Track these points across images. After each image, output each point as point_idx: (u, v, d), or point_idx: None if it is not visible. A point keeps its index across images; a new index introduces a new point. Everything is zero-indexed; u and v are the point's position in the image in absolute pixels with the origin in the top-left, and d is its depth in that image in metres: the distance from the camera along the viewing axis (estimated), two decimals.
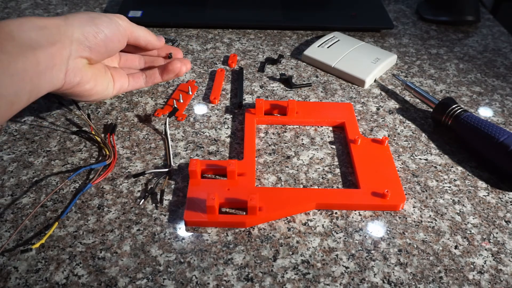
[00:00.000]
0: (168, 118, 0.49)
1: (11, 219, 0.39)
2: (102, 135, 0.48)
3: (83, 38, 0.40)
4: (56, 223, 0.38)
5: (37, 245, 0.36)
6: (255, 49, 0.63)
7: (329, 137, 0.49)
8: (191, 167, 0.42)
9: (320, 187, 0.43)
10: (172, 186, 0.43)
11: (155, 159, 0.45)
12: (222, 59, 0.61)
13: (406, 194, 0.43)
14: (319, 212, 0.41)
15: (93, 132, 0.47)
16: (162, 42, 0.50)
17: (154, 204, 0.41)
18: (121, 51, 0.48)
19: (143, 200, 0.41)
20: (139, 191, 0.42)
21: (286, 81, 0.56)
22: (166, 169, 0.43)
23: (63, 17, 0.40)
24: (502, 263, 0.37)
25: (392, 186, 0.42)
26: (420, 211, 0.41)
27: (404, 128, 0.51)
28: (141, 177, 0.43)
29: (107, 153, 0.45)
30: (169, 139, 0.47)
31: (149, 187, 0.42)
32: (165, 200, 0.41)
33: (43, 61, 0.36)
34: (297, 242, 0.38)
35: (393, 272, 0.36)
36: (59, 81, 0.39)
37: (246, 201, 0.39)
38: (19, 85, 0.35)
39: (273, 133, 0.49)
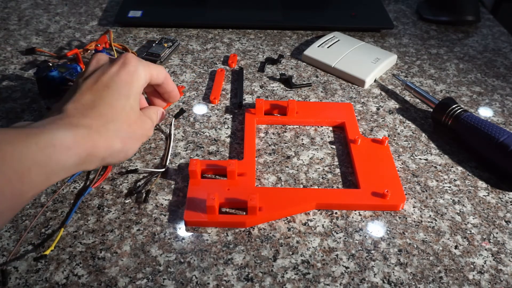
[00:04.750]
0: (174, 119, 0.49)
1: (11, 219, 0.39)
2: None
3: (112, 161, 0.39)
4: (62, 229, 0.38)
5: (48, 251, 0.36)
6: (255, 49, 0.63)
7: (329, 137, 0.49)
8: (191, 167, 0.42)
9: (320, 187, 0.43)
10: (172, 186, 0.43)
11: (155, 159, 0.45)
12: (222, 59, 0.61)
13: (406, 194, 0.43)
14: (319, 212, 0.41)
15: None
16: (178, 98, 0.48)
17: (153, 204, 0.41)
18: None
19: (128, 198, 0.41)
20: (139, 191, 0.42)
21: (286, 81, 0.56)
22: (162, 169, 0.43)
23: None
24: (502, 263, 0.37)
25: (392, 186, 0.42)
26: (420, 211, 0.41)
27: (404, 128, 0.51)
28: (141, 177, 0.43)
29: None
30: (172, 140, 0.47)
31: (138, 185, 0.42)
32: (165, 200, 0.41)
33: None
34: (297, 242, 0.38)
35: (393, 272, 0.36)
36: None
37: (246, 201, 0.39)
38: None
39: (273, 133, 0.49)
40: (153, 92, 0.46)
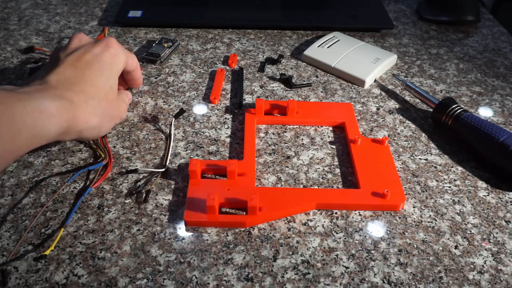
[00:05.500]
0: (174, 119, 0.49)
1: (11, 219, 0.39)
2: None
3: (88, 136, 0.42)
4: (62, 229, 0.38)
5: (48, 251, 0.36)
6: (255, 49, 0.63)
7: (329, 137, 0.49)
8: (191, 167, 0.42)
9: (320, 187, 0.43)
10: (172, 186, 0.43)
11: (155, 159, 0.45)
12: (222, 59, 0.61)
13: (406, 194, 0.43)
14: (319, 212, 0.41)
15: None
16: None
17: (153, 204, 0.41)
18: None
19: (128, 198, 0.41)
20: (139, 191, 0.42)
21: (286, 81, 0.56)
22: (162, 169, 0.43)
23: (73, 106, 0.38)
24: (502, 263, 0.37)
25: (392, 186, 0.42)
26: (420, 211, 0.41)
27: (404, 128, 0.51)
28: (141, 177, 0.43)
29: (102, 155, 0.44)
30: (172, 140, 0.47)
31: (138, 185, 0.42)
32: (165, 200, 0.41)
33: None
34: (297, 242, 0.38)
35: (393, 272, 0.36)
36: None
37: (246, 201, 0.39)
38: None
39: (273, 133, 0.49)
40: (119, 78, 0.47)
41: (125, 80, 0.49)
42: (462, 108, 0.48)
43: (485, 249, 0.38)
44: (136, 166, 0.44)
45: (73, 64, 0.40)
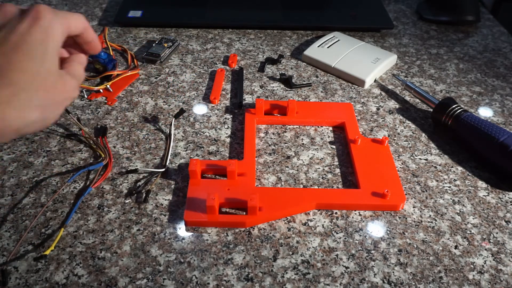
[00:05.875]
0: (174, 119, 0.49)
1: (11, 219, 0.39)
2: (95, 138, 0.47)
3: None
4: (62, 229, 0.38)
5: (48, 251, 0.36)
6: (255, 49, 0.63)
7: (329, 137, 0.49)
8: (191, 167, 0.42)
9: (320, 187, 0.43)
10: (172, 186, 0.43)
11: (155, 159, 0.45)
12: (222, 59, 0.61)
13: (406, 194, 0.43)
14: (319, 212, 0.41)
15: (84, 135, 0.47)
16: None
17: (153, 204, 0.41)
18: None
19: (128, 198, 0.41)
20: (139, 191, 0.42)
21: (286, 81, 0.56)
22: (162, 169, 0.43)
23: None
24: (502, 263, 0.37)
25: (392, 186, 0.42)
26: (420, 211, 0.41)
27: (404, 128, 0.51)
28: (141, 177, 0.43)
29: (102, 155, 0.44)
30: (172, 140, 0.47)
31: (138, 185, 0.42)
32: (165, 200, 0.41)
33: None
34: (297, 242, 0.38)
35: (393, 272, 0.36)
36: None
37: (246, 201, 0.39)
38: None
39: (273, 133, 0.49)
40: (69, 43, 0.38)
41: (78, 45, 0.39)
42: (462, 108, 0.48)
43: (485, 249, 0.38)
44: (136, 166, 0.44)
45: None
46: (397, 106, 0.54)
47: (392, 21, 0.68)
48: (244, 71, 0.59)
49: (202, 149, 0.47)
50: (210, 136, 0.48)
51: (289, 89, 0.56)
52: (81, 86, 0.44)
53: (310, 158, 0.46)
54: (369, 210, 0.41)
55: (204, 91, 0.55)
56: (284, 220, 0.40)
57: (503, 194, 0.43)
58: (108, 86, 0.53)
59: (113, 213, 0.40)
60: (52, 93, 0.34)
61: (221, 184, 0.42)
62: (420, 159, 0.47)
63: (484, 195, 0.43)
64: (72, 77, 0.36)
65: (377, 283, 0.35)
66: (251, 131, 0.48)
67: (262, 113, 0.50)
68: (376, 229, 0.40)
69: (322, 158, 0.46)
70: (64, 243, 0.37)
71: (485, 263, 0.37)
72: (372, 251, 0.38)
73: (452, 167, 0.46)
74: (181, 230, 0.39)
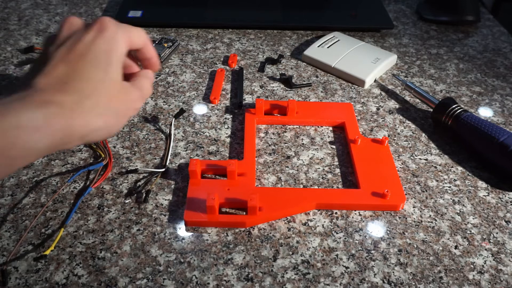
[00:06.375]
0: (174, 119, 0.49)
1: (11, 219, 0.39)
2: None
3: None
4: (62, 229, 0.38)
5: (48, 251, 0.36)
6: (255, 49, 0.63)
7: (329, 137, 0.49)
8: (191, 167, 0.42)
9: (320, 187, 0.43)
10: (172, 186, 0.43)
11: (155, 159, 0.45)
12: (222, 59, 0.61)
13: (406, 194, 0.43)
14: (319, 212, 0.41)
15: None
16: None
17: (153, 204, 0.41)
18: None
19: (128, 198, 0.41)
20: (139, 191, 0.42)
21: (286, 81, 0.56)
22: (162, 169, 0.43)
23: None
24: (502, 263, 0.37)
25: (392, 186, 0.42)
26: (420, 211, 0.41)
27: (404, 128, 0.51)
28: (141, 177, 0.43)
29: (102, 155, 0.44)
30: (172, 140, 0.47)
31: (138, 185, 0.42)
32: (165, 200, 0.41)
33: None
34: (297, 242, 0.38)
35: (393, 272, 0.36)
36: None
37: (246, 201, 0.39)
38: None
39: (273, 133, 0.49)
40: (133, 59, 0.40)
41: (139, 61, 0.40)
42: (462, 108, 0.48)
43: (485, 249, 0.38)
44: (136, 166, 0.44)
45: (64, 58, 0.33)
46: (397, 106, 0.54)
47: (392, 21, 0.68)
48: (244, 71, 0.59)
49: (202, 149, 0.47)
50: (210, 136, 0.48)
51: (289, 89, 0.56)
52: None
53: (310, 158, 0.46)
54: (369, 210, 0.41)
55: (204, 91, 0.55)
56: (284, 220, 0.40)
57: (503, 194, 0.43)
58: None
59: (113, 213, 0.40)
60: (115, 102, 0.35)
61: (221, 184, 0.42)
62: (420, 159, 0.47)
63: (484, 195, 0.43)
64: (136, 89, 0.37)
65: (377, 283, 0.35)
66: (251, 131, 0.48)
67: (262, 113, 0.50)
68: (376, 229, 0.40)
69: (322, 158, 0.46)
70: (64, 243, 0.37)
71: (485, 263, 0.37)
72: (372, 251, 0.38)
73: (452, 167, 0.46)
74: (181, 230, 0.39)
